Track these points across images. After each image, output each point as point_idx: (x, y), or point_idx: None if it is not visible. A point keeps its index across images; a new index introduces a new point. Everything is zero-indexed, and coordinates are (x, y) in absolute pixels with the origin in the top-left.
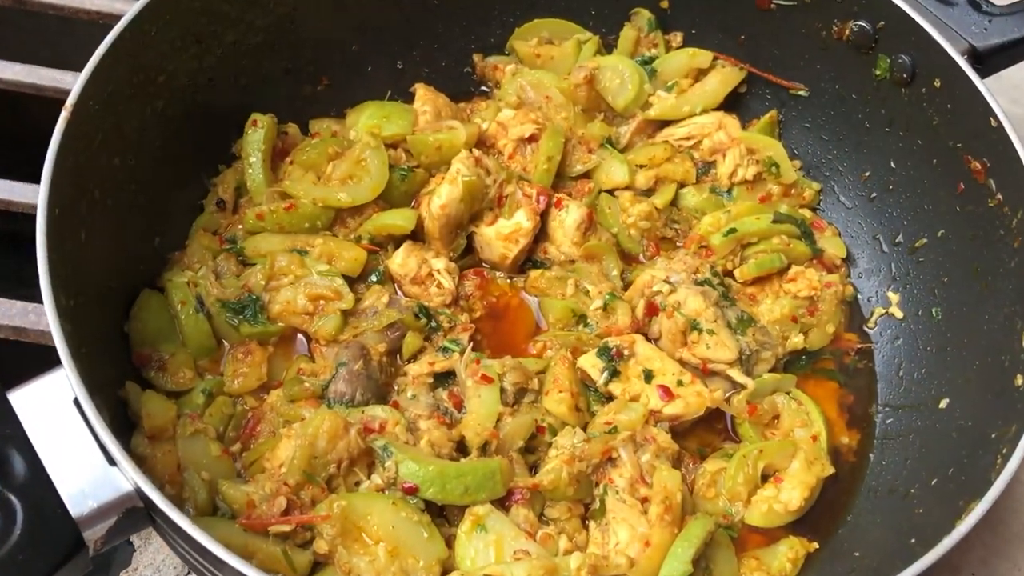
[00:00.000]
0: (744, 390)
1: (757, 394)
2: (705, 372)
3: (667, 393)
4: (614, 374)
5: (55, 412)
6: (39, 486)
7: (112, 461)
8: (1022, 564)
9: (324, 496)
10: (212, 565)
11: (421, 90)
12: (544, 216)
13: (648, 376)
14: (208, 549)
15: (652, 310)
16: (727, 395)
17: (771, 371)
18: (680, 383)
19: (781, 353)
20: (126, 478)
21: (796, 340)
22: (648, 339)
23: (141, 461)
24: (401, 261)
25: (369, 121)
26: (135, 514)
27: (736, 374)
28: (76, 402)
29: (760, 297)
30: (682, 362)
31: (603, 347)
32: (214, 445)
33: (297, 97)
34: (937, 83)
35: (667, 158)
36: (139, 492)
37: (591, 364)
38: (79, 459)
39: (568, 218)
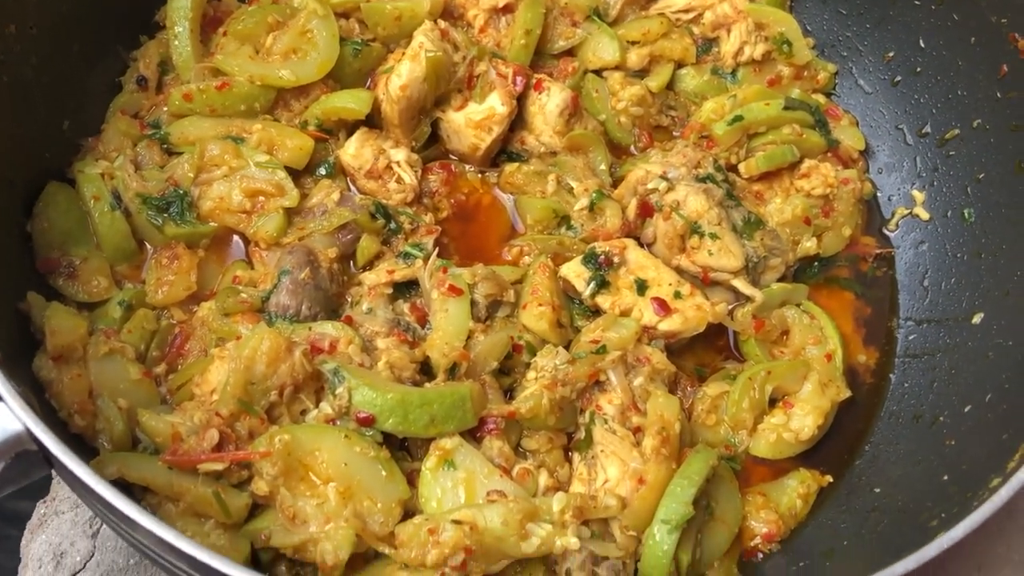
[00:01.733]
0: (750, 303)
1: (765, 307)
2: (706, 282)
3: (663, 307)
4: (602, 285)
5: None
6: None
7: None
8: None
9: (264, 428)
10: (122, 522)
11: None
12: (521, 100)
13: (641, 287)
14: (116, 507)
15: (646, 211)
16: (730, 308)
17: (780, 280)
18: (678, 295)
19: (791, 260)
20: (14, 415)
21: (808, 245)
22: (641, 244)
23: (45, 386)
24: (354, 151)
25: None
26: (28, 459)
27: (742, 284)
28: None
29: (768, 195)
30: (679, 270)
31: (589, 253)
32: (133, 367)
33: None
34: None
35: (663, 33)
36: (31, 432)
37: (576, 273)
38: None
39: (550, 103)
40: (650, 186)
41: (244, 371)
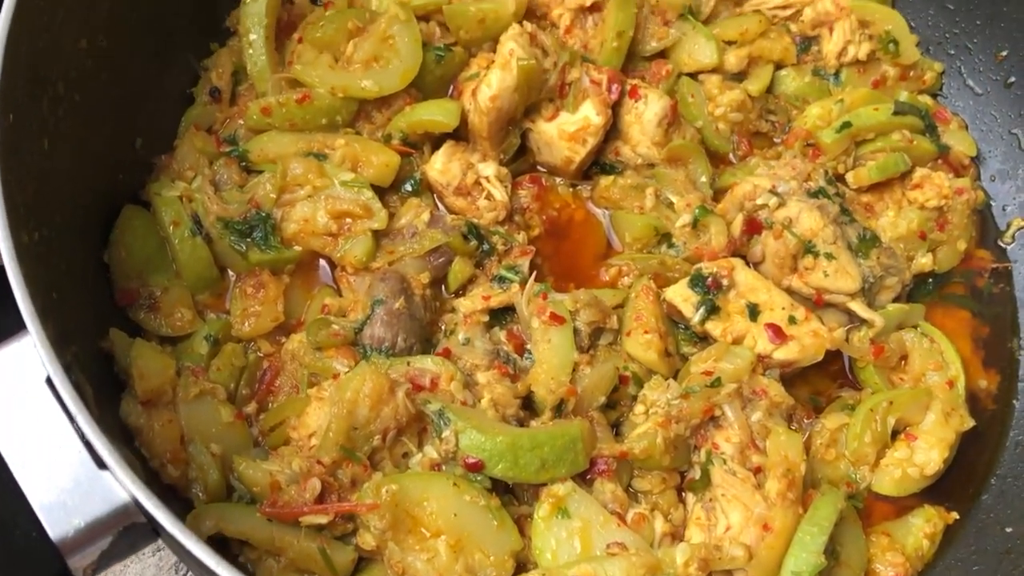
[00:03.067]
0: (868, 326)
1: (882, 330)
2: (819, 304)
3: (778, 334)
4: (712, 310)
5: (22, 395)
6: (5, 499)
7: (102, 463)
8: None
9: (367, 475)
10: None
11: None
12: (616, 108)
13: (753, 312)
14: None
15: (754, 227)
16: (846, 330)
17: (895, 300)
18: (792, 320)
19: (908, 279)
20: (121, 485)
21: (923, 261)
22: (747, 263)
23: (135, 434)
24: (442, 167)
25: None
26: (136, 532)
27: (859, 308)
28: (49, 381)
29: (878, 207)
30: (790, 291)
31: (696, 275)
32: (225, 409)
33: None
34: None
35: (761, 32)
36: (140, 504)
37: (683, 297)
38: (58, 461)
39: (647, 111)
40: (759, 202)
41: (347, 416)
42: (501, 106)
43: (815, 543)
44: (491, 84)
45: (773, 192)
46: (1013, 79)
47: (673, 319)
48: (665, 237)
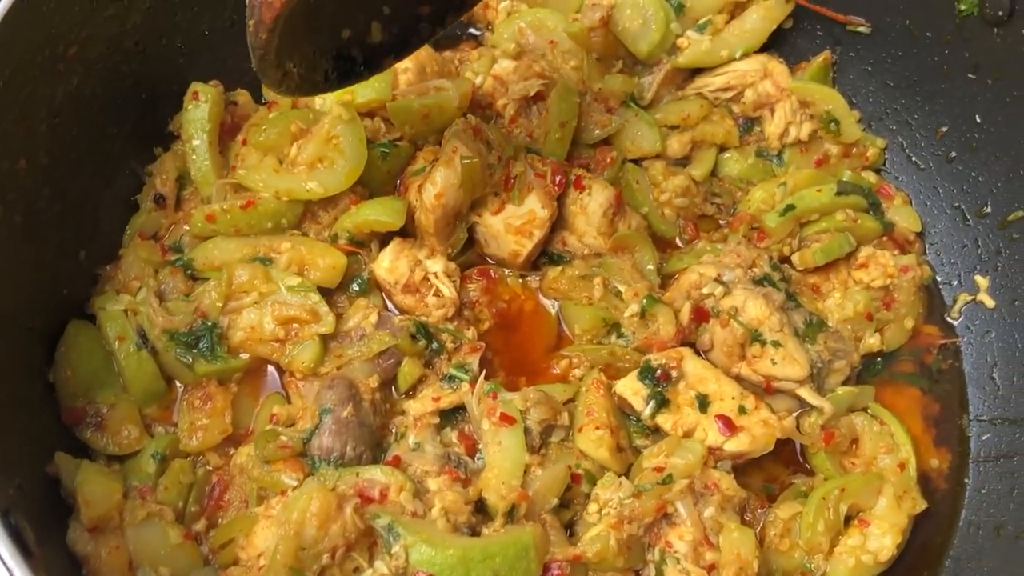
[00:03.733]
0: (818, 413)
1: (833, 414)
2: (768, 391)
3: (728, 425)
4: (662, 403)
5: None
6: None
7: None
8: None
9: None
10: None
11: None
12: (561, 199)
13: (703, 403)
14: None
15: (701, 316)
16: (796, 415)
17: (845, 382)
18: (742, 410)
19: (856, 361)
20: None
21: (872, 341)
22: (696, 351)
23: (82, 562)
24: (389, 265)
25: None
26: None
27: (808, 394)
28: None
29: (825, 288)
30: (739, 379)
31: (645, 367)
32: (173, 531)
33: (246, 56)
34: None
35: (703, 116)
36: None
37: (632, 391)
38: None
39: (592, 203)
40: (705, 291)
41: (294, 537)
42: (447, 203)
43: None
44: (436, 182)
45: (719, 281)
46: (954, 154)
47: (625, 411)
48: (615, 327)
